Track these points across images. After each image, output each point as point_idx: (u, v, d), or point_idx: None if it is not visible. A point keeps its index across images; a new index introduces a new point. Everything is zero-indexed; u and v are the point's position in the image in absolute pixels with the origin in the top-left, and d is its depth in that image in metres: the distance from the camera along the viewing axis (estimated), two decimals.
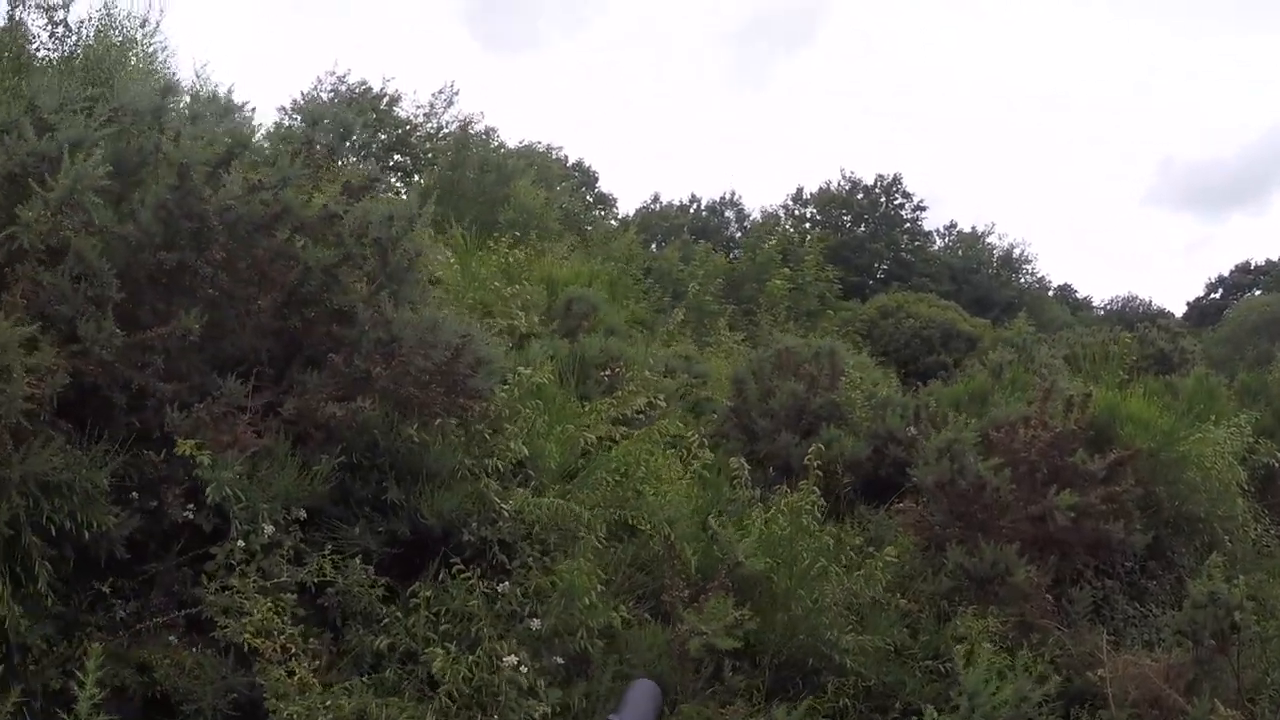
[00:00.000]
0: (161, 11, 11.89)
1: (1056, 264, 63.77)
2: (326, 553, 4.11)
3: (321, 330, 4.58)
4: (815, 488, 5.50)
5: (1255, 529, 9.70)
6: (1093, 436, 6.70)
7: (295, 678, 3.73)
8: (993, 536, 5.68)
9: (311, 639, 3.88)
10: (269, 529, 3.94)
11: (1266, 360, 15.86)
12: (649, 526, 5.08)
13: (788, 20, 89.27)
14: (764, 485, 6.33)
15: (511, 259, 9.40)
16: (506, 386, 5.05)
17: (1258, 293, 40.24)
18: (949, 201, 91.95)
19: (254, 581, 3.85)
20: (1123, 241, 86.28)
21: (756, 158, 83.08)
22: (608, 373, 6.58)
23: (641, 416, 6.00)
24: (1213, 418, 9.19)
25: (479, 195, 21.82)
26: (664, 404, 6.53)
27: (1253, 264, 47.84)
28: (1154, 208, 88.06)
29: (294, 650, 3.78)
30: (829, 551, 5.43)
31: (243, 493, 3.90)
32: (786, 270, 19.41)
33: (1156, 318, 33.86)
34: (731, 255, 22.33)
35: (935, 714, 4.18)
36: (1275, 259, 47.23)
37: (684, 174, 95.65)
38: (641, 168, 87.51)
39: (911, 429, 7.47)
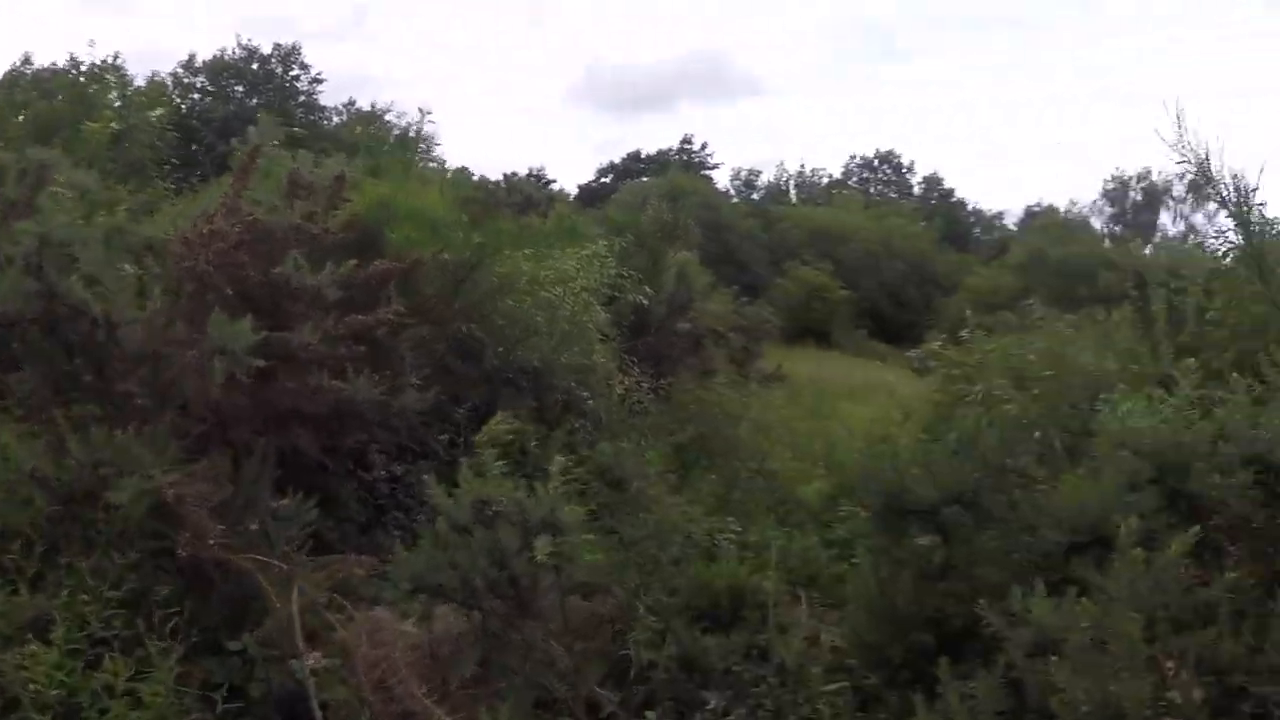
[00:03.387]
0: None
1: (461, 149, 63.78)
2: None
3: None
4: None
5: (624, 382, 8.36)
6: (353, 241, 4.29)
7: None
8: (115, 416, 2.96)
9: None
10: None
11: None
12: None
13: None
14: None
15: None
16: None
17: (644, 179, 43.48)
18: (355, 81, 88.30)
19: None
20: (540, 136, 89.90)
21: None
22: None
23: None
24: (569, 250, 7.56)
25: None
26: None
27: (643, 153, 52.21)
28: (575, 108, 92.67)
29: None
30: None
31: None
32: (109, 112, 15.36)
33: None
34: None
35: None
36: (664, 148, 52.08)
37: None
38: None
39: None
